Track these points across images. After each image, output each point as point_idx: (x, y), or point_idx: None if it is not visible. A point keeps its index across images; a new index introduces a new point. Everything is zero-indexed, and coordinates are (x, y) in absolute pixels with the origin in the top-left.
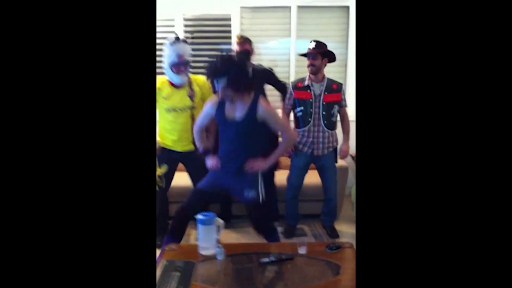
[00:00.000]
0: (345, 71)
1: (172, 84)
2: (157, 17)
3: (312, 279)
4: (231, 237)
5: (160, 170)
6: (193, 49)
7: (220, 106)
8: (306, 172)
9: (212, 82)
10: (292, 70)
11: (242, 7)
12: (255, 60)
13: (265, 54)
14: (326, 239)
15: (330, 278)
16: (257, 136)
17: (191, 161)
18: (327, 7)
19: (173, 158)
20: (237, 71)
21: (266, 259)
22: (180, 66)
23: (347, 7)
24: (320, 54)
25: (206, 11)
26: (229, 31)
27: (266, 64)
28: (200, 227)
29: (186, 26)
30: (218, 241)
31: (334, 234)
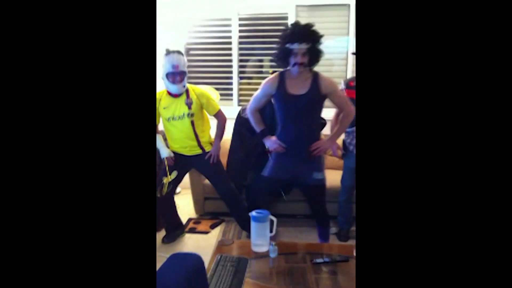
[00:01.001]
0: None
1: (170, 94)
2: (213, 17)
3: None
4: (286, 236)
5: (169, 177)
6: (249, 48)
7: (281, 83)
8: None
9: (284, 48)
10: (350, 69)
11: (297, 6)
12: None
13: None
14: None
15: None
16: (318, 114)
17: (202, 164)
18: None
19: (183, 163)
20: (318, 41)
21: (319, 260)
22: (175, 76)
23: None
24: None
25: (261, 10)
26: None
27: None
28: (254, 224)
29: (241, 25)
30: (271, 239)
31: (346, 237)
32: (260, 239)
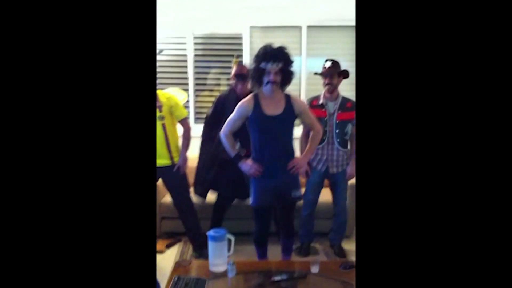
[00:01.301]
0: (354, 89)
1: None
2: (168, 35)
3: None
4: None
5: None
6: (204, 67)
7: (256, 104)
8: (321, 188)
9: (257, 68)
10: (303, 88)
11: (251, 27)
12: None
13: None
14: (339, 258)
15: None
16: (291, 133)
17: (169, 176)
18: (336, 26)
19: None
20: (291, 62)
21: (278, 277)
22: None
23: (355, 27)
24: (337, 73)
25: (216, 30)
26: (240, 50)
27: None
28: (211, 243)
29: (196, 44)
30: (229, 258)
31: (341, 253)
32: (218, 258)
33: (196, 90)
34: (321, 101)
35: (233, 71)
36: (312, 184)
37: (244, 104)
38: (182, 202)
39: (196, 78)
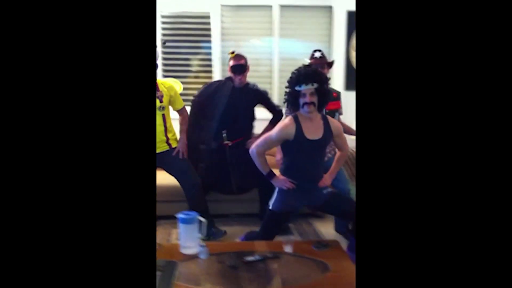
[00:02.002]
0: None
1: None
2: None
3: (299, 278)
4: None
5: None
6: (172, 47)
7: (298, 128)
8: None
9: (292, 91)
10: (275, 69)
11: (222, 5)
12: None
13: (247, 53)
14: (312, 238)
15: (317, 277)
16: (325, 152)
17: (169, 161)
18: (309, 6)
19: None
20: (326, 83)
21: (251, 258)
22: None
23: (330, 7)
24: (326, 64)
25: (185, 9)
26: (209, 29)
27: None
28: (181, 226)
29: (163, 23)
30: (201, 240)
31: (351, 235)
32: (189, 241)
33: (164, 71)
34: None
35: (229, 64)
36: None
37: (287, 128)
38: (187, 183)
39: (164, 59)
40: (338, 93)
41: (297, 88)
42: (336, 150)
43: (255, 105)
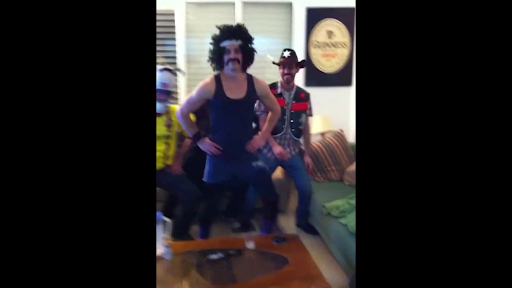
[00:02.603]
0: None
1: None
2: None
3: (260, 272)
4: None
5: None
6: None
7: (218, 87)
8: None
9: (216, 47)
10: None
11: (187, 3)
12: None
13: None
14: (274, 233)
15: (277, 270)
16: (252, 114)
17: (164, 178)
18: (271, 3)
19: None
20: (251, 39)
21: (214, 256)
22: (162, 94)
23: (290, 4)
24: (295, 63)
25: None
26: (173, 27)
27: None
28: None
29: None
30: (165, 240)
31: (312, 230)
32: None
33: None
34: (279, 91)
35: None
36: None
37: (206, 87)
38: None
39: None
40: (307, 94)
41: (221, 44)
42: (293, 138)
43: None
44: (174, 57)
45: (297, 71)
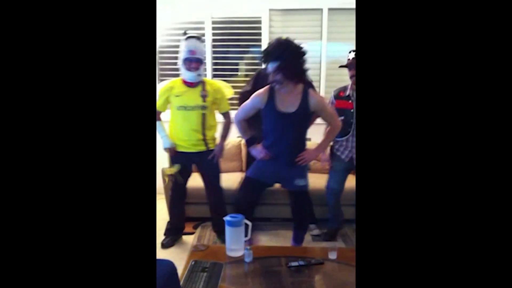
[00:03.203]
0: None
1: (185, 83)
2: (186, 20)
3: (342, 285)
4: (262, 239)
5: (172, 170)
6: (222, 52)
7: (270, 98)
8: (345, 178)
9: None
10: (323, 73)
11: (271, 10)
12: None
13: None
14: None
15: None
16: (305, 128)
17: (203, 162)
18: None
19: (186, 159)
20: (291, 56)
21: (295, 263)
22: (191, 62)
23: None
24: None
25: (235, 13)
26: (259, 34)
27: None
28: (228, 229)
29: (214, 28)
30: (246, 243)
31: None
32: (235, 243)
33: (214, 76)
34: (347, 93)
35: None
36: (336, 172)
37: (259, 96)
38: (213, 188)
39: (215, 63)
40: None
41: (264, 66)
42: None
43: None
44: (259, 64)
45: None
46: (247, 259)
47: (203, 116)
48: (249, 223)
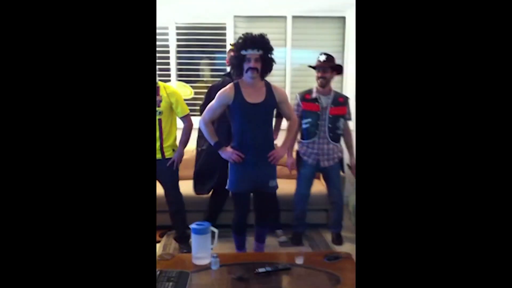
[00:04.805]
0: (341, 81)
1: None
2: None
3: None
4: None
5: None
6: (187, 58)
7: (237, 92)
8: (312, 182)
9: (237, 55)
10: (288, 79)
11: (235, 16)
12: None
13: None
14: (324, 249)
15: None
16: (271, 121)
17: (161, 170)
18: (323, 17)
19: None
20: (270, 50)
21: (262, 269)
22: None
23: (343, 18)
24: (330, 67)
25: (199, 19)
26: (224, 40)
27: None
28: (194, 236)
29: (178, 34)
30: (212, 251)
31: (340, 242)
32: (201, 251)
33: (178, 82)
34: (314, 95)
35: (228, 57)
36: (304, 177)
37: (225, 93)
38: (172, 196)
39: (179, 70)
40: (345, 98)
41: (242, 52)
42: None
43: None
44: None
45: (332, 75)
46: (214, 267)
47: (159, 122)
48: (216, 230)
